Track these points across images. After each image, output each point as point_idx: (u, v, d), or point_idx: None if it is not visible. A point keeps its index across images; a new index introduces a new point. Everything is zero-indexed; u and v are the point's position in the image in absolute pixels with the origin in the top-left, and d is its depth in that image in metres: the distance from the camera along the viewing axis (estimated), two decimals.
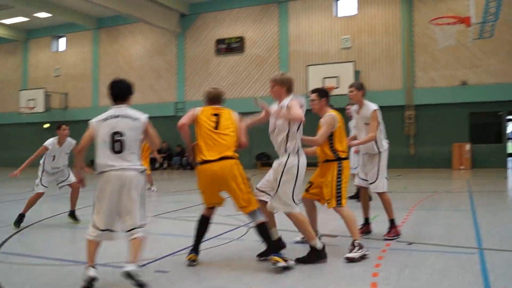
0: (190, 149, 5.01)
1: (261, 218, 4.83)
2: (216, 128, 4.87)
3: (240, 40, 22.48)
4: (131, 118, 4.36)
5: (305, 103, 4.97)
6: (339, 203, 5.24)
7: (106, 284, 4.30)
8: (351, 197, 8.78)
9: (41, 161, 7.61)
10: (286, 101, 4.90)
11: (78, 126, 26.11)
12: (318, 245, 4.94)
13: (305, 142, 5.24)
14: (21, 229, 7.11)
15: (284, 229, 5.79)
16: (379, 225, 6.35)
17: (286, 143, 4.90)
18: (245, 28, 22.54)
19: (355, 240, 5.10)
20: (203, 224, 5.07)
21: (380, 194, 6.08)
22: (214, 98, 5.08)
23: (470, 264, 4.72)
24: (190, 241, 5.35)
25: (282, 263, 4.61)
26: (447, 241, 5.76)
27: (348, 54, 20.59)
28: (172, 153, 23.28)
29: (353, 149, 8.62)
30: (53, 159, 7.54)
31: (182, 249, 5.50)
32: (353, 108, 6.34)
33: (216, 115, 4.94)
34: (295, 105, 4.81)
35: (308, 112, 4.94)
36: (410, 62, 19.62)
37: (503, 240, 5.75)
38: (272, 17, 21.99)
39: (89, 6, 22.43)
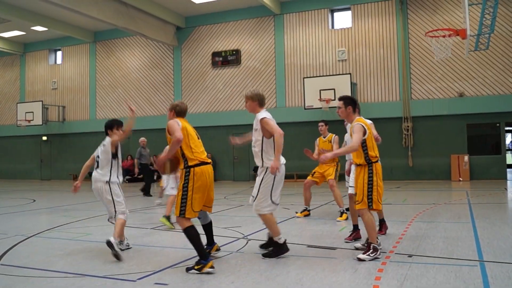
0: (166, 161, 5.42)
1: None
2: (198, 137, 5.55)
3: (236, 52, 22.58)
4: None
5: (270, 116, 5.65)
6: (370, 205, 5.58)
7: None
8: None
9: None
10: (260, 115, 5.62)
11: (76, 139, 26.47)
12: (281, 240, 5.67)
13: (343, 154, 6.13)
14: (19, 242, 7.05)
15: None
16: (382, 239, 6.34)
17: (262, 153, 5.64)
18: (241, 41, 22.65)
19: (371, 243, 5.51)
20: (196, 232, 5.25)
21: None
22: (185, 111, 5.75)
23: (471, 276, 4.69)
24: (190, 253, 5.33)
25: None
26: (447, 254, 5.73)
27: (344, 66, 20.70)
28: None
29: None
30: None
31: (182, 261, 5.48)
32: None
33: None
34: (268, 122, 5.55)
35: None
36: (406, 74, 19.72)
37: (504, 253, 5.72)
38: (268, 30, 22.12)
39: (85, 19, 22.54)
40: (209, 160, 5.46)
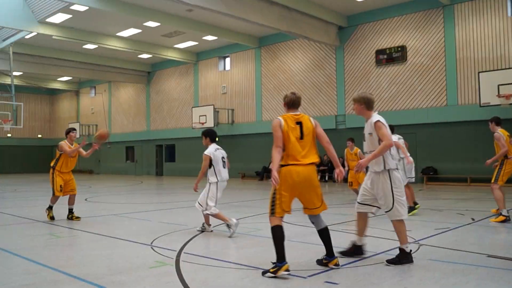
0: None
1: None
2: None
3: (402, 49, 21.61)
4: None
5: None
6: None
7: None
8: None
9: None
10: (373, 118, 5.48)
11: (244, 140, 28.02)
12: (408, 249, 5.41)
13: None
14: (197, 234, 7.66)
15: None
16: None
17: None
18: (406, 36, 21.63)
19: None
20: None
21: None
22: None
23: None
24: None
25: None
26: None
27: None
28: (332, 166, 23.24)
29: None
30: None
31: (352, 262, 5.40)
32: None
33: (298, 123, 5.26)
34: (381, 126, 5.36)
35: None
36: None
37: None
38: (436, 23, 20.72)
39: (251, 26, 23.73)
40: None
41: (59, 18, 22.96)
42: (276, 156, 4.97)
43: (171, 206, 12.91)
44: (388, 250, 6.09)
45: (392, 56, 21.88)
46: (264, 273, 4.91)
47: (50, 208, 9.49)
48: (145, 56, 31.43)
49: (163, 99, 34.19)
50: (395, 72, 21.85)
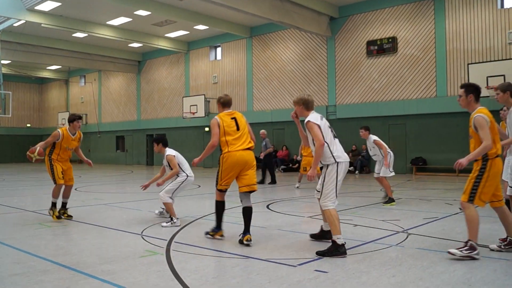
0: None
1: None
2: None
3: (393, 40, 21.66)
4: None
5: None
6: (471, 199, 5.27)
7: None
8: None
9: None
10: (307, 118, 5.70)
11: None
12: (340, 241, 5.29)
13: (477, 157, 5.26)
14: (189, 223, 7.68)
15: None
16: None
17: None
18: (397, 27, 21.67)
19: (469, 240, 5.13)
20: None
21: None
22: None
23: None
24: (349, 244, 5.25)
25: None
26: None
27: None
28: None
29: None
30: None
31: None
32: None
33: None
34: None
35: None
36: None
37: None
38: (427, 14, 20.78)
39: (242, 16, 23.62)
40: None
41: (48, 5, 22.62)
42: (210, 150, 6.23)
43: None
44: (377, 239, 6.17)
45: (383, 47, 21.92)
46: (206, 233, 6.44)
47: (53, 205, 8.45)
48: (135, 45, 31.16)
49: (154, 88, 34.00)
50: (386, 63, 21.91)
